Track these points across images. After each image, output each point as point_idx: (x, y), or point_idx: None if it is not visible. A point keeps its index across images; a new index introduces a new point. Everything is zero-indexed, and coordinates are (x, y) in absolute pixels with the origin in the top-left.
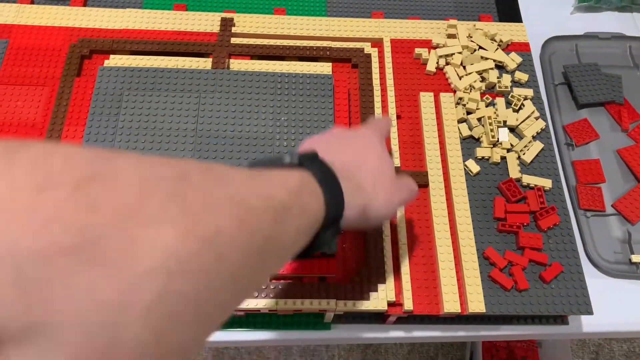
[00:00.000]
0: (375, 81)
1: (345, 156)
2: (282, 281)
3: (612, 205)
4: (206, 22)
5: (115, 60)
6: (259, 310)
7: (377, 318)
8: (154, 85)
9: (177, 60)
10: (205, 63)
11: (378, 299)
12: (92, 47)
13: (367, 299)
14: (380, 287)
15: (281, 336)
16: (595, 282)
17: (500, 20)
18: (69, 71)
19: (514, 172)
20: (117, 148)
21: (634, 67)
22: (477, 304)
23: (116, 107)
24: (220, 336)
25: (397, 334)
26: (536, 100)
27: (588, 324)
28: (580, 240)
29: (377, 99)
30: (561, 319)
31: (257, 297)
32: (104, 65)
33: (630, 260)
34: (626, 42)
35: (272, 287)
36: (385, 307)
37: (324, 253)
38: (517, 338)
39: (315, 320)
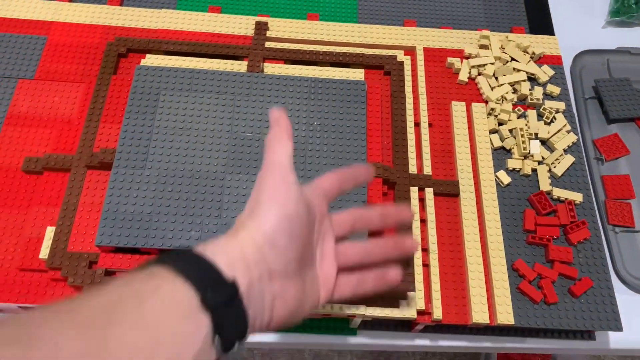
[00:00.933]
0: (408, 89)
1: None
2: None
3: None
4: (241, 25)
5: (151, 60)
6: None
7: (403, 326)
8: (190, 86)
9: (212, 62)
10: (240, 66)
11: (407, 307)
12: (129, 45)
13: (397, 306)
14: (410, 294)
15: (308, 340)
16: (623, 299)
17: (532, 32)
18: (105, 69)
19: (544, 184)
20: (152, 145)
21: None
22: (505, 315)
23: (152, 106)
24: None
25: (423, 342)
26: (567, 113)
27: (615, 341)
28: (608, 256)
29: (410, 106)
30: (588, 334)
31: None
32: (141, 64)
33: None
34: None
35: None
36: (415, 315)
37: None
38: (543, 352)
39: (342, 325)
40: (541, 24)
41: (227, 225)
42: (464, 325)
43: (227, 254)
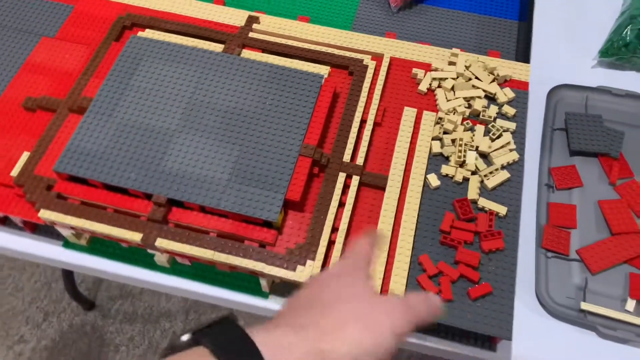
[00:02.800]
0: (365, 89)
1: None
2: (225, 239)
3: (576, 251)
4: (236, 17)
5: (149, 34)
6: (199, 259)
7: None
8: (169, 57)
9: (197, 42)
10: (218, 48)
11: (303, 273)
12: (135, 20)
13: (294, 270)
14: (309, 262)
15: (221, 294)
16: (539, 322)
17: (517, 59)
18: (110, 36)
19: (472, 193)
20: (122, 99)
21: None
22: None
23: (133, 69)
24: (162, 279)
25: None
26: (518, 134)
27: (516, 356)
28: (534, 278)
29: (362, 104)
30: (489, 344)
31: (199, 245)
32: (137, 35)
33: (580, 307)
34: None
35: (215, 240)
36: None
37: (266, 222)
38: (442, 354)
39: (255, 287)
40: (524, 52)
41: (163, 172)
42: None
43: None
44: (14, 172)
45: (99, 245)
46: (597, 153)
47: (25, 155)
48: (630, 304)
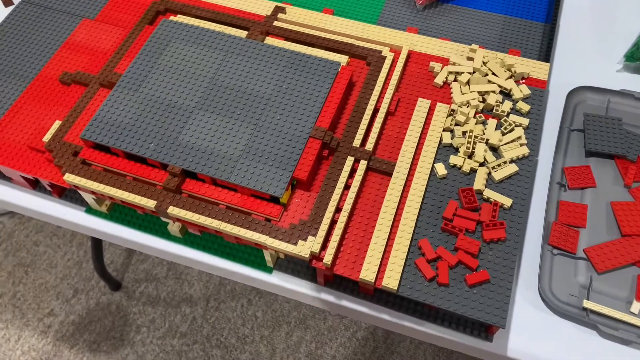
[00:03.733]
0: (381, 79)
1: None
2: (233, 211)
3: (583, 250)
4: (264, 6)
5: (180, 18)
6: (208, 229)
7: (313, 276)
8: (196, 40)
9: (224, 28)
10: (242, 34)
11: (304, 247)
12: (168, 6)
13: (295, 244)
14: (310, 238)
15: (228, 266)
16: (540, 317)
17: (539, 59)
18: (144, 19)
19: (478, 184)
20: (149, 77)
21: None
22: (391, 280)
23: (162, 49)
24: (173, 249)
25: (327, 297)
26: (531, 130)
27: (512, 349)
28: (537, 274)
29: (377, 93)
30: (485, 335)
31: (208, 215)
32: (169, 19)
33: (582, 305)
34: None
35: (224, 212)
36: (307, 255)
37: (273, 197)
38: (437, 340)
39: (260, 262)
40: (545, 52)
41: (180, 145)
42: (370, 292)
43: None
44: (46, 137)
45: (118, 213)
46: (613, 155)
47: (57, 124)
48: (636, 306)
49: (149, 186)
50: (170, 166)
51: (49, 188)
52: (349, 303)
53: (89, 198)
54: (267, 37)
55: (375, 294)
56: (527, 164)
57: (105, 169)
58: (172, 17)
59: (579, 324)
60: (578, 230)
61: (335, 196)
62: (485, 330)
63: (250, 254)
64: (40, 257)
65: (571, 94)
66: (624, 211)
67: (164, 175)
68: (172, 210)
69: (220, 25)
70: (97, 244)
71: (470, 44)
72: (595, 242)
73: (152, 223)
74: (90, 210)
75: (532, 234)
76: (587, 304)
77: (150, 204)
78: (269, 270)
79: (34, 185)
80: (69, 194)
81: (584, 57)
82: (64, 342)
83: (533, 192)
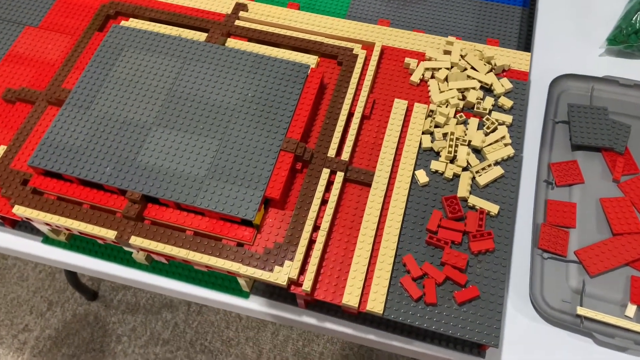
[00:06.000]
0: (354, 80)
1: None
2: (202, 237)
3: (574, 252)
4: (224, 4)
5: (133, 23)
6: (174, 258)
7: (293, 298)
8: (151, 47)
9: (182, 31)
10: (201, 37)
11: (280, 274)
12: (119, 9)
13: (271, 271)
14: (287, 263)
15: (200, 293)
16: (532, 326)
17: (518, 48)
18: (92, 25)
19: (462, 190)
20: (100, 92)
21: None
22: (376, 304)
23: (114, 59)
24: (140, 277)
25: (309, 320)
26: (515, 128)
27: None
28: (529, 280)
29: (350, 97)
30: (477, 351)
31: (174, 244)
32: (121, 24)
33: (576, 312)
34: None
35: (191, 239)
36: (284, 282)
37: (244, 221)
38: (427, 358)
39: (235, 286)
40: (525, 40)
41: (139, 167)
42: (355, 313)
43: None
44: None
45: (78, 242)
46: (600, 147)
47: (1, 149)
48: (631, 310)
49: (107, 214)
50: (129, 192)
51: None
52: (332, 325)
53: (44, 228)
54: (229, 39)
55: (360, 315)
56: (513, 164)
57: (59, 197)
58: (123, 22)
59: (574, 332)
60: (568, 231)
61: (312, 214)
62: (477, 346)
63: (225, 279)
64: (10, 271)
65: (554, 82)
66: (613, 208)
67: (123, 201)
68: (135, 240)
69: (177, 28)
70: None
71: (446, 35)
72: (586, 243)
73: (116, 251)
74: (47, 240)
75: (520, 237)
76: (581, 310)
77: (110, 234)
78: (245, 295)
79: None
80: (23, 224)
81: (565, 42)
82: (41, 358)
83: (520, 191)
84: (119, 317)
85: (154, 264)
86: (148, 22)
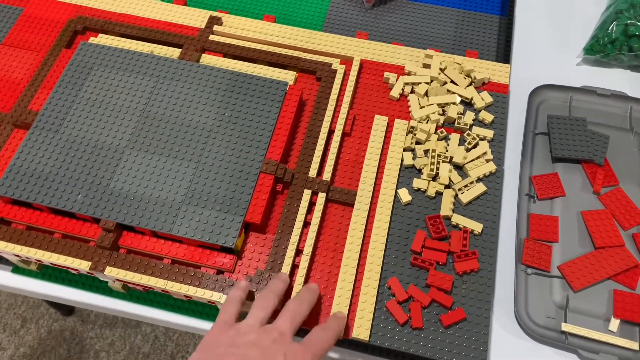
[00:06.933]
0: (333, 96)
1: None
2: (180, 265)
3: (557, 267)
4: (197, 17)
5: (102, 39)
6: (152, 288)
7: None
8: (122, 65)
9: (154, 47)
10: (175, 52)
11: None
12: (87, 24)
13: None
14: None
15: (180, 321)
16: (517, 344)
17: (497, 58)
18: (59, 42)
19: (445, 209)
20: (69, 114)
21: (628, 130)
22: (362, 330)
23: (83, 79)
24: (117, 305)
25: None
26: (496, 143)
27: None
28: (513, 297)
29: (329, 113)
30: None
31: (151, 274)
32: (89, 41)
33: (561, 328)
34: (628, 102)
35: (169, 268)
36: None
37: (224, 247)
38: None
39: (215, 313)
40: (504, 50)
41: (112, 194)
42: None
43: None
44: None
45: (51, 270)
46: (580, 159)
47: None
48: (614, 324)
49: (81, 244)
50: (103, 220)
51: None
52: None
53: (14, 259)
54: (203, 54)
55: (346, 339)
56: (495, 180)
57: (29, 226)
58: (92, 39)
59: (559, 348)
60: (550, 245)
61: (294, 237)
62: None
63: (205, 306)
64: None
65: (533, 93)
66: (595, 221)
67: (97, 230)
68: (110, 271)
69: (149, 44)
70: None
71: (424, 46)
72: (569, 257)
73: (90, 279)
74: (17, 269)
75: (504, 252)
76: (565, 327)
77: (84, 265)
78: None
79: None
80: None
81: (542, 52)
82: None
83: (502, 205)
84: (96, 331)
85: (130, 292)
86: (118, 38)
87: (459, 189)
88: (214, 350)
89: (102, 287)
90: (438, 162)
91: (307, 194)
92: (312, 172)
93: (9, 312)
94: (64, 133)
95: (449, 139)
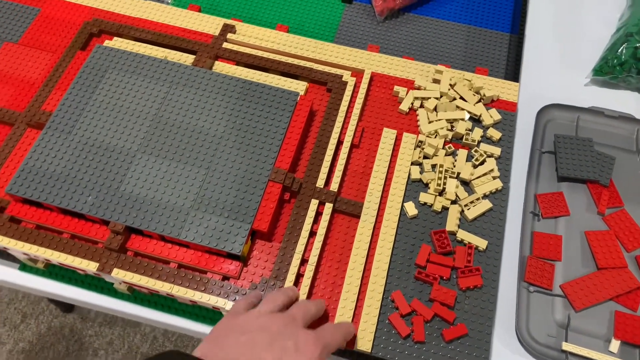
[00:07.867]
0: (343, 108)
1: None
2: (186, 270)
3: (560, 286)
4: (211, 25)
5: (117, 43)
6: (158, 291)
7: None
8: (135, 70)
9: (168, 53)
10: (188, 59)
11: None
12: (102, 27)
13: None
14: None
15: (184, 324)
16: None
17: (506, 76)
18: (75, 44)
19: (451, 224)
20: (83, 116)
21: (635, 152)
22: (365, 342)
23: (97, 82)
24: (122, 307)
25: None
26: (503, 160)
27: None
28: (515, 314)
29: (339, 125)
30: None
31: (158, 277)
32: (104, 44)
33: (562, 347)
34: (635, 125)
35: (175, 272)
36: None
37: (230, 254)
38: None
39: (220, 318)
40: (513, 68)
41: (122, 197)
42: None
43: None
44: None
45: (57, 270)
46: (586, 180)
47: None
48: (615, 345)
49: (89, 245)
50: (112, 223)
51: None
52: None
53: (22, 256)
54: (217, 62)
55: (347, 350)
56: (501, 198)
57: (38, 225)
58: (107, 42)
59: None
60: (553, 264)
61: (300, 247)
62: None
63: (209, 311)
64: None
65: (541, 112)
66: (598, 242)
67: (105, 231)
68: (117, 272)
69: (163, 49)
70: None
71: (435, 61)
72: (572, 276)
73: (96, 280)
74: (24, 267)
75: (507, 269)
76: (566, 346)
77: (91, 266)
78: None
79: None
80: None
81: (551, 71)
82: None
83: (506, 222)
84: (95, 329)
85: (135, 294)
86: (133, 42)
87: (465, 205)
88: (222, 339)
89: (107, 288)
90: (445, 177)
91: (314, 203)
92: (320, 182)
93: (9, 306)
94: (77, 134)
95: (457, 155)
